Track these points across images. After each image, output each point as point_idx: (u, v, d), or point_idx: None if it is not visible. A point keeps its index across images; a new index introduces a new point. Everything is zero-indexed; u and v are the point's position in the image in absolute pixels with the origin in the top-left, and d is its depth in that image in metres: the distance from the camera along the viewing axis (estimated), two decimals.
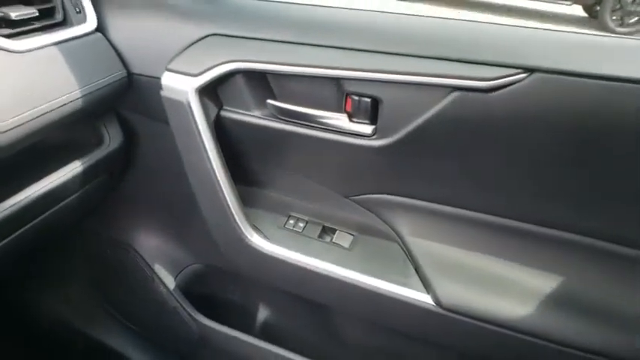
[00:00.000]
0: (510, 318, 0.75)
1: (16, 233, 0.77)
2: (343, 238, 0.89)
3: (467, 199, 0.79)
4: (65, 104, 0.74)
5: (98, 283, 1.24)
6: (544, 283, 0.77)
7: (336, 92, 0.78)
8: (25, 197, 0.75)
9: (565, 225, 0.74)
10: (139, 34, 0.85)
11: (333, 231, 0.90)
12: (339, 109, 0.80)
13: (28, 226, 0.79)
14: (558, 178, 0.71)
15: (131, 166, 1.00)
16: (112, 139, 0.91)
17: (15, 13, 0.70)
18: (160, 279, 1.12)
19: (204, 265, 1.11)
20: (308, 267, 0.85)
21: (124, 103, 0.90)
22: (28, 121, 0.68)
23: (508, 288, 0.78)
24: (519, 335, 0.75)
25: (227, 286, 1.14)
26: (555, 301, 0.76)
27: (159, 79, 0.81)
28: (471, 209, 0.79)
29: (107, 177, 0.96)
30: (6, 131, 0.65)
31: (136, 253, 1.12)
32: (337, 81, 0.77)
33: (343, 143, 0.79)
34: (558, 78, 0.64)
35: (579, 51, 0.66)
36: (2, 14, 0.70)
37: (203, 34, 0.80)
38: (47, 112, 0.71)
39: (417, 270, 0.82)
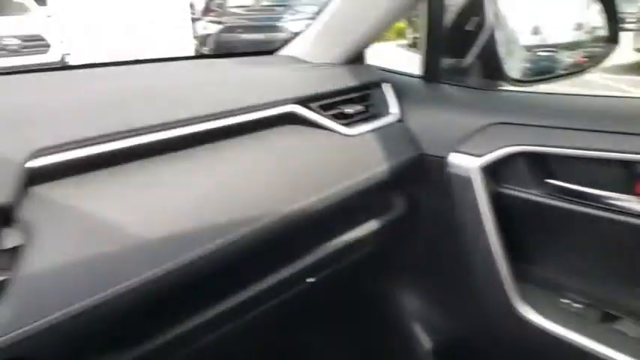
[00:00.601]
0: None
1: (317, 276, 0.93)
2: (629, 327, 0.83)
3: None
4: (374, 176, 0.92)
5: (359, 333, 1.34)
6: None
7: (624, 174, 0.78)
8: (331, 247, 0.93)
9: None
10: (431, 123, 1.01)
11: (617, 318, 0.85)
12: (627, 191, 0.78)
13: (327, 271, 0.95)
14: None
15: (409, 231, 1.14)
16: (399, 206, 1.07)
17: (351, 110, 0.95)
18: (417, 339, 1.19)
19: (465, 332, 1.15)
20: (588, 350, 0.82)
21: (411, 177, 1.06)
22: (350, 187, 0.87)
23: None
24: None
25: (488, 357, 1.15)
26: None
27: (443, 158, 0.94)
28: None
29: (389, 239, 1.12)
30: (334, 194, 0.84)
31: (398, 310, 1.22)
32: (626, 163, 0.77)
33: (633, 225, 0.77)
34: None
35: None
36: (346, 111, 0.94)
37: (488, 122, 0.92)
38: (363, 181, 0.90)
39: None
